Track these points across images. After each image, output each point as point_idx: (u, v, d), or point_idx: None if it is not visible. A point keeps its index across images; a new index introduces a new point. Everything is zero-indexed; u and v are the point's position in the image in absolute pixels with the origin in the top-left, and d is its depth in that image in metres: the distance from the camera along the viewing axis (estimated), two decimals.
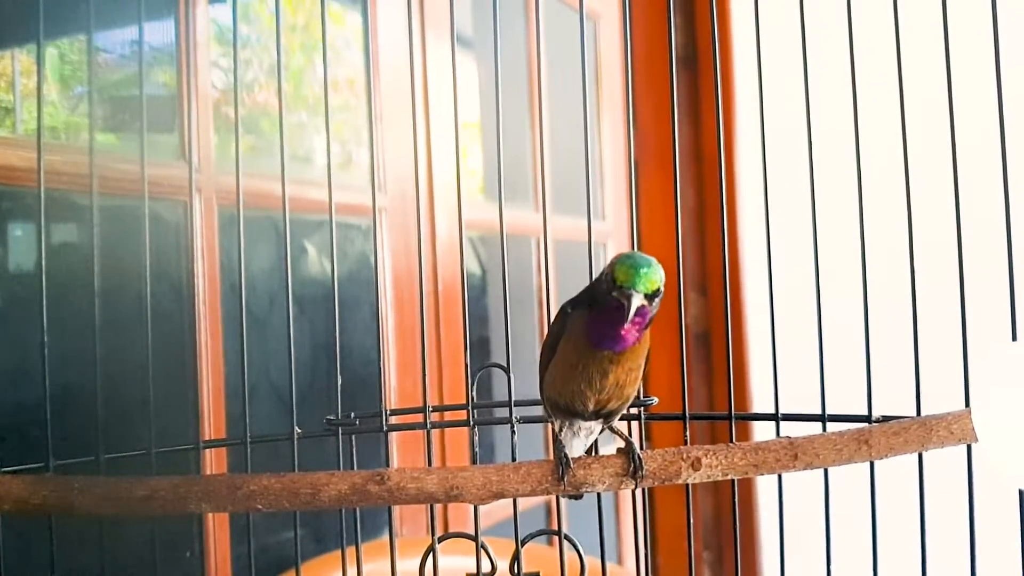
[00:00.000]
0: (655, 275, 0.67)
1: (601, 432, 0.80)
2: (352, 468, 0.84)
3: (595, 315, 0.69)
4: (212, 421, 1.18)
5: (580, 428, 0.77)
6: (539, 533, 0.88)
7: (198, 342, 1.17)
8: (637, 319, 0.67)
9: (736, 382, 0.89)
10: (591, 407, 0.73)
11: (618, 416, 0.77)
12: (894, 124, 0.83)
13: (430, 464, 0.85)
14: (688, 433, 0.86)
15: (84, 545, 0.80)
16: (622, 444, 0.74)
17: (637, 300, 0.66)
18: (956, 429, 0.74)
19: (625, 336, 0.69)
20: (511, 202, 1.70)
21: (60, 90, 1.09)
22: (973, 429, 0.73)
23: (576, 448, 0.78)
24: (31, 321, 0.78)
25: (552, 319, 0.75)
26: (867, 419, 0.81)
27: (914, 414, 0.79)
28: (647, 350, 0.73)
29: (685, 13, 2.26)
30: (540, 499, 1.76)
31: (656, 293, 0.67)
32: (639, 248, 0.87)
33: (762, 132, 0.89)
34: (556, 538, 0.88)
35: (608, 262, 0.69)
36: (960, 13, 0.81)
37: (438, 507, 1.43)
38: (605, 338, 0.69)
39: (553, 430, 0.79)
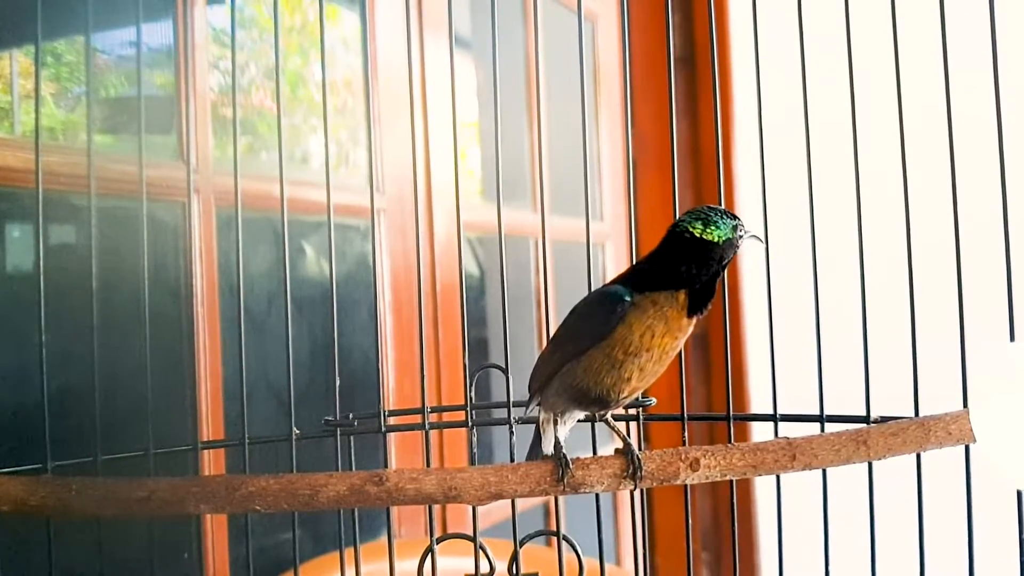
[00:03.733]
0: None
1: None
2: (350, 469, 0.84)
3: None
4: (210, 422, 1.18)
5: (568, 419, 0.77)
6: (537, 534, 0.88)
7: (196, 343, 1.17)
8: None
9: (734, 383, 0.89)
10: (626, 394, 0.73)
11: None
12: (892, 124, 0.83)
13: (428, 465, 0.85)
14: (687, 434, 0.86)
15: (82, 546, 0.80)
16: (620, 445, 0.74)
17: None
18: (954, 430, 0.74)
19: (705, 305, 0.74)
20: (509, 203, 1.70)
21: (58, 91, 1.09)
22: (971, 430, 0.73)
23: (560, 435, 0.78)
24: (29, 322, 0.78)
25: (587, 311, 0.75)
26: (865, 420, 0.81)
27: (912, 415, 0.79)
28: None
29: (683, 13, 2.26)
30: (538, 500, 1.76)
31: None
32: (637, 248, 0.87)
33: (760, 132, 0.89)
34: (555, 539, 0.88)
35: (717, 233, 0.73)
36: (958, 12, 0.81)
37: (437, 508, 1.43)
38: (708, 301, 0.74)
39: (539, 423, 0.79)
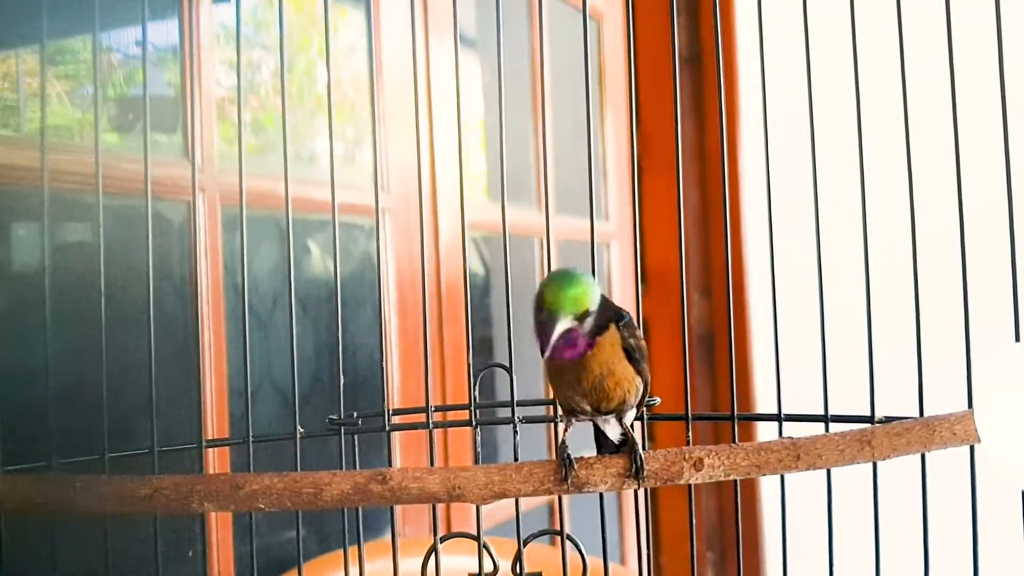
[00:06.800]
0: (584, 297, 0.66)
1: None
2: (354, 468, 0.84)
3: (537, 331, 0.68)
4: (215, 420, 1.18)
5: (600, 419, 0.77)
6: (541, 533, 0.88)
7: (201, 341, 1.17)
8: (567, 342, 0.67)
9: (739, 383, 0.89)
10: (587, 407, 0.73)
11: (627, 412, 0.76)
12: (898, 123, 0.82)
13: (432, 464, 0.85)
14: (691, 433, 0.86)
15: (86, 544, 0.80)
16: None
17: (562, 326, 0.65)
18: (959, 430, 0.74)
19: (561, 353, 0.68)
20: (514, 202, 1.70)
21: (64, 90, 1.09)
22: (976, 430, 0.73)
23: (611, 435, 0.77)
24: (35, 320, 0.78)
25: None
26: (870, 420, 0.81)
27: (917, 415, 0.79)
28: (622, 350, 0.71)
29: (689, 12, 2.26)
30: (542, 499, 1.76)
31: (586, 314, 0.66)
32: (642, 249, 0.87)
33: (765, 132, 0.89)
34: (558, 538, 0.88)
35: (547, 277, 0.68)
36: (963, 11, 0.81)
37: (440, 507, 1.43)
38: (550, 352, 0.68)
39: (560, 432, 0.78)
